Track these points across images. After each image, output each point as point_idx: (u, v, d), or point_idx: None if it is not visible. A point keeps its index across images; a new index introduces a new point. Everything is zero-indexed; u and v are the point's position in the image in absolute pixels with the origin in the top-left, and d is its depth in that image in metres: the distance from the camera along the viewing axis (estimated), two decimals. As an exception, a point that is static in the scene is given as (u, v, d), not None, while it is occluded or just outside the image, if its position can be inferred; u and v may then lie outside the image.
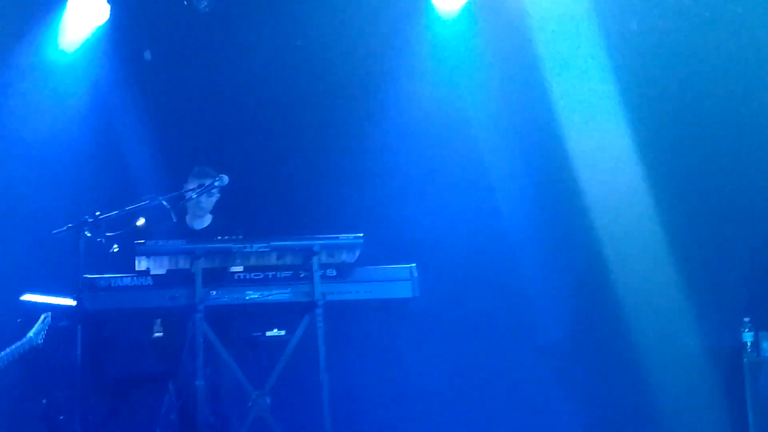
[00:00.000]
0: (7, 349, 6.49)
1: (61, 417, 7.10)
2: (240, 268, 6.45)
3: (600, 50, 8.10)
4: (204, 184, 6.91)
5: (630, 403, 7.90)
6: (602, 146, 8.11)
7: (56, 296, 6.61)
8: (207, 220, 7.28)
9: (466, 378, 8.02)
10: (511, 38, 8.18)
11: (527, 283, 8.21)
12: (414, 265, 6.51)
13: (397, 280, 6.49)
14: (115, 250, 6.32)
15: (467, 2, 8.20)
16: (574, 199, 8.13)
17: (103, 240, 6.27)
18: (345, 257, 6.48)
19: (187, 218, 7.27)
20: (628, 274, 8.01)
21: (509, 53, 8.25)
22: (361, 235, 6.45)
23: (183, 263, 6.35)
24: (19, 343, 6.58)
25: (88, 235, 6.21)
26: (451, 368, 8.02)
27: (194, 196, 6.85)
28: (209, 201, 7.15)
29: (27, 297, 6.65)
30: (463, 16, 8.26)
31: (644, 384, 7.89)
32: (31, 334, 6.61)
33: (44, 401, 7.26)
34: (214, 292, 6.28)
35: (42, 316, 6.66)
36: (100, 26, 8.08)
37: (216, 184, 6.82)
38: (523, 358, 8.11)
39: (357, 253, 6.47)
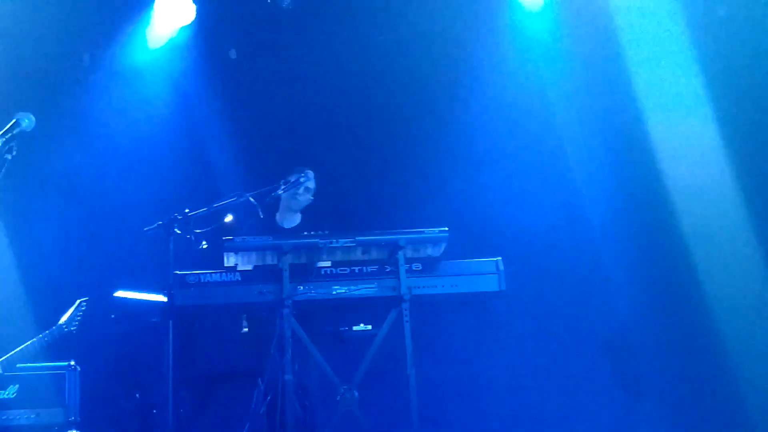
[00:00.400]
0: (39, 336, 6.64)
1: (154, 411, 7.24)
2: (327, 263, 6.48)
3: (686, 40, 7.94)
4: (289, 181, 6.97)
5: (716, 401, 7.73)
6: (688, 139, 7.95)
7: (148, 292, 6.73)
8: (297, 219, 7.33)
9: (551, 373, 7.94)
10: (596, 30, 8.08)
11: (612, 278, 8.09)
12: (500, 258, 6.47)
13: (483, 273, 6.46)
14: (204, 247, 6.40)
15: (551, -5, 8.16)
16: (659, 194, 7.99)
17: (193, 237, 6.36)
18: (430, 251, 6.47)
19: (277, 216, 7.31)
20: (714, 270, 7.83)
21: (593, 46, 8.15)
22: (446, 229, 6.42)
23: (270, 259, 6.39)
24: (48, 331, 6.74)
25: (178, 232, 6.30)
26: (535, 362, 7.95)
27: (281, 192, 6.91)
28: (305, 199, 7.18)
29: (120, 293, 6.78)
30: (547, 9, 8.19)
31: (730, 382, 7.71)
32: (62, 321, 6.78)
33: (137, 396, 7.41)
34: (301, 287, 6.31)
35: (76, 302, 6.81)
36: (186, 26, 8.20)
37: (301, 180, 6.87)
38: (607, 355, 8.00)
39: (442, 247, 6.45)
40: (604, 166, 8.20)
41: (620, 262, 8.10)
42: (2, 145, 4.62)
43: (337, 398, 6.25)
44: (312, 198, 7.15)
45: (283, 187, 6.90)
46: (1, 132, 4.65)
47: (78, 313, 6.83)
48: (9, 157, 4.62)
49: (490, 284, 6.45)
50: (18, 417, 6.68)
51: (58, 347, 6.83)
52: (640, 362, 7.94)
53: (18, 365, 6.66)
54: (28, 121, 4.74)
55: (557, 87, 8.21)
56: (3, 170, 4.56)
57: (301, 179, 6.88)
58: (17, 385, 6.73)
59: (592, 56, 8.19)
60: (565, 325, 8.00)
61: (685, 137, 7.94)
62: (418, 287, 6.38)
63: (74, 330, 6.80)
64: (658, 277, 8.01)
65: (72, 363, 6.83)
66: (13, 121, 4.69)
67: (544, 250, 8.08)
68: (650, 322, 7.98)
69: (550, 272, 8.06)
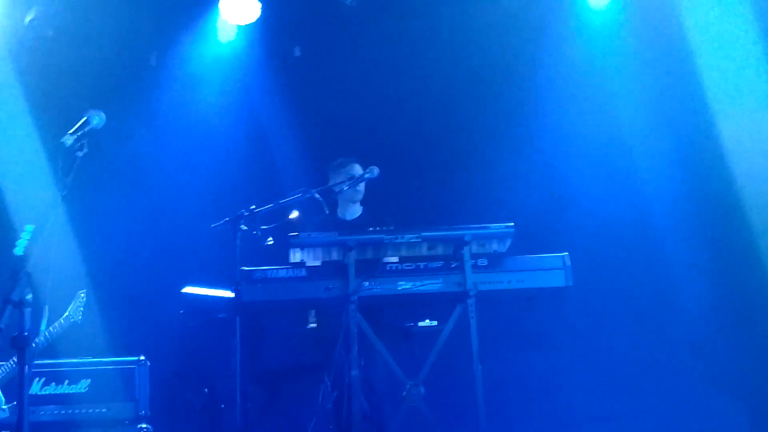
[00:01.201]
0: (49, 328, 6.71)
1: (222, 406, 7.31)
2: (394, 259, 6.47)
3: (756, 35, 7.77)
4: (355, 176, 6.99)
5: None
6: (759, 137, 7.79)
7: (215, 288, 6.79)
8: (358, 210, 7.34)
9: (619, 371, 7.84)
10: (662, 27, 7.96)
11: (681, 275, 7.96)
12: (566, 254, 6.40)
13: (549, 269, 6.38)
14: (270, 243, 6.43)
15: (616, -9, 8.06)
16: (729, 193, 7.84)
17: (259, 233, 6.40)
18: (496, 247, 6.41)
19: (339, 210, 7.35)
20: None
21: (660, 42, 8.03)
22: (512, 224, 6.36)
23: (336, 255, 6.39)
24: (57, 323, 6.81)
25: (245, 228, 6.35)
26: (602, 360, 7.86)
27: (346, 188, 6.93)
28: (354, 192, 7.21)
29: (188, 289, 6.85)
30: (613, 5, 8.08)
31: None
32: (67, 313, 6.85)
33: (205, 391, 7.49)
34: (367, 283, 6.31)
35: (78, 294, 6.88)
36: (250, 24, 8.24)
37: (366, 176, 6.88)
38: (674, 354, 7.88)
39: (508, 243, 6.40)
40: (673, 163, 8.07)
41: (689, 259, 7.96)
42: (73, 142, 4.67)
43: (404, 394, 6.24)
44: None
45: (349, 182, 6.92)
46: (73, 130, 4.70)
47: (80, 304, 6.93)
48: (80, 154, 4.67)
49: (557, 280, 6.36)
50: (89, 411, 6.79)
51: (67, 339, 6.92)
52: (711, 362, 7.80)
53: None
54: (98, 118, 4.79)
55: (623, 84, 8.09)
56: (74, 167, 4.61)
57: (366, 175, 6.88)
58: (89, 380, 6.84)
59: (659, 52, 8.06)
60: (634, 322, 7.89)
61: (757, 134, 7.78)
62: (484, 283, 6.31)
63: (80, 320, 6.90)
64: (729, 275, 7.86)
65: (142, 358, 6.92)
66: (84, 118, 4.74)
67: (611, 247, 7.98)
68: (723, 320, 7.84)
69: (617, 269, 7.96)
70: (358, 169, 7.18)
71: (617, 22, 8.12)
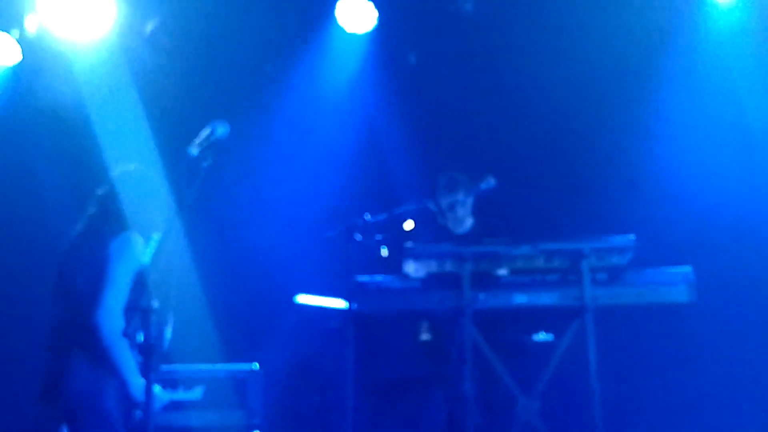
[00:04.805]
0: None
1: (333, 416, 7.29)
2: (507, 271, 6.36)
3: None
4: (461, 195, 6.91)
5: None
6: None
7: (328, 297, 6.79)
8: (468, 223, 7.25)
9: (743, 390, 7.56)
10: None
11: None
12: (690, 267, 6.19)
13: (672, 283, 6.18)
14: (385, 254, 6.40)
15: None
16: None
17: (373, 242, 6.38)
18: (615, 260, 6.23)
19: (450, 222, 7.27)
20: None
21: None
22: (633, 236, 6.20)
23: (450, 266, 6.30)
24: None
25: (359, 237, 6.33)
26: (727, 379, 7.58)
27: (460, 199, 6.85)
28: (468, 204, 7.11)
29: (301, 298, 6.87)
30: (741, 3, 7.81)
31: None
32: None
33: (317, 400, 7.49)
34: (482, 296, 6.21)
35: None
36: (368, 32, 8.24)
37: (483, 187, 6.75)
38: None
39: (628, 256, 6.22)
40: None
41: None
42: (199, 153, 4.69)
43: (517, 409, 6.14)
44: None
45: (463, 194, 6.85)
46: (198, 140, 4.73)
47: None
48: (205, 164, 4.69)
49: (679, 295, 6.16)
50: (201, 418, 6.84)
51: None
52: None
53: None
54: (222, 129, 4.81)
55: (751, 85, 7.80)
56: (199, 178, 4.64)
57: (483, 186, 6.78)
58: (202, 387, 6.90)
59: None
60: (760, 339, 7.58)
61: None
62: (603, 297, 6.16)
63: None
64: None
65: (255, 365, 6.95)
66: (209, 129, 4.77)
67: (735, 260, 7.69)
68: None
69: (743, 283, 7.66)
70: (466, 185, 7.06)
71: (746, 19, 7.82)
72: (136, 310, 4.52)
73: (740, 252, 7.71)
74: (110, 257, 5.04)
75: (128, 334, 4.79)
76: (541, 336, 6.59)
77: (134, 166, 5.46)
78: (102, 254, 5.05)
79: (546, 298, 6.22)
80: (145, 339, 4.54)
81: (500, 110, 8.34)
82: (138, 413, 4.98)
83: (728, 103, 7.89)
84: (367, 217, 6.39)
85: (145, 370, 4.55)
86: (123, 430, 5.04)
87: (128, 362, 4.99)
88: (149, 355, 4.51)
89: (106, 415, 5.00)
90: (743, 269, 7.69)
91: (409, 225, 6.58)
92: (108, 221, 5.21)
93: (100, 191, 5.35)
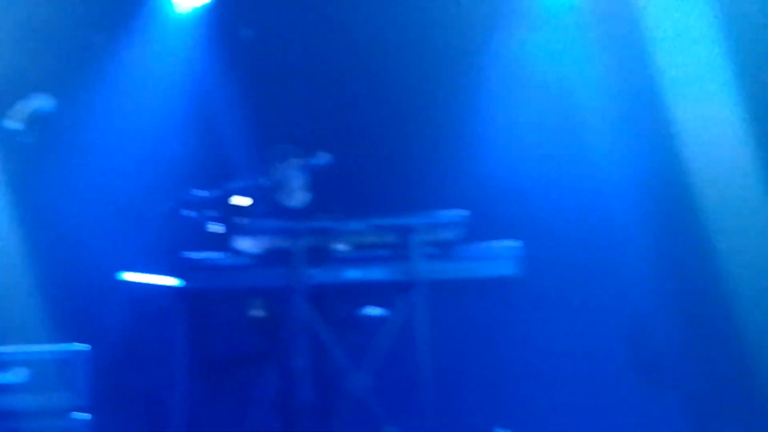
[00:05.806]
0: None
1: (162, 396, 7.16)
2: (341, 247, 6.37)
3: (711, 21, 7.74)
4: (299, 164, 6.87)
5: (738, 392, 7.57)
6: (715, 126, 7.76)
7: (158, 275, 6.65)
8: (303, 197, 7.20)
9: (568, 362, 7.79)
10: (620, 19, 7.93)
11: (633, 266, 7.93)
12: (518, 242, 6.35)
13: (499, 257, 6.35)
14: (215, 230, 6.31)
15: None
16: (685, 183, 7.79)
17: (203, 219, 6.28)
18: (446, 235, 6.35)
19: (285, 197, 7.21)
20: (738, 259, 7.65)
21: (618, 33, 7.97)
22: (464, 212, 6.31)
23: (283, 242, 6.30)
24: None
25: (188, 213, 6.22)
26: (553, 351, 7.79)
27: (293, 175, 6.81)
28: (301, 179, 7.08)
29: (126, 276, 6.72)
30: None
31: (755, 374, 7.55)
32: None
33: (148, 380, 7.34)
34: (314, 271, 6.22)
35: None
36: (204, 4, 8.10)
37: (316, 163, 6.74)
38: (626, 344, 7.86)
39: (461, 231, 6.33)
40: (628, 153, 8.04)
41: (642, 251, 7.94)
42: (19, 127, 4.51)
43: (349, 384, 6.17)
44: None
45: (294, 164, 6.81)
46: (19, 115, 4.53)
47: None
48: (29, 140, 4.51)
49: (507, 269, 6.33)
50: (26, 401, 6.61)
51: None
52: (662, 352, 7.79)
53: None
54: (46, 103, 4.62)
55: (581, 75, 8.04)
56: (23, 153, 4.46)
57: (316, 162, 6.75)
58: (25, 368, 6.67)
59: (617, 44, 8.01)
60: (585, 313, 7.84)
61: (712, 124, 7.76)
62: (432, 271, 6.25)
63: None
64: (681, 267, 7.83)
65: (81, 346, 6.76)
66: (30, 102, 4.58)
67: (563, 237, 7.92)
68: (673, 313, 7.81)
69: (569, 259, 7.89)
70: (298, 156, 7.02)
71: (575, 12, 8.05)
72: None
73: (566, 230, 7.94)
74: None
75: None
76: (375, 311, 6.62)
77: None
78: None
79: (378, 273, 6.30)
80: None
81: (337, 86, 8.34)
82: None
83: (557, 89, 8.09)
84: (197, 192, 6.28)
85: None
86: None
87: None
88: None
89: None
90: (567, 246, 7.93)
91: (243, 201, 6.51)
92: None
93: None
